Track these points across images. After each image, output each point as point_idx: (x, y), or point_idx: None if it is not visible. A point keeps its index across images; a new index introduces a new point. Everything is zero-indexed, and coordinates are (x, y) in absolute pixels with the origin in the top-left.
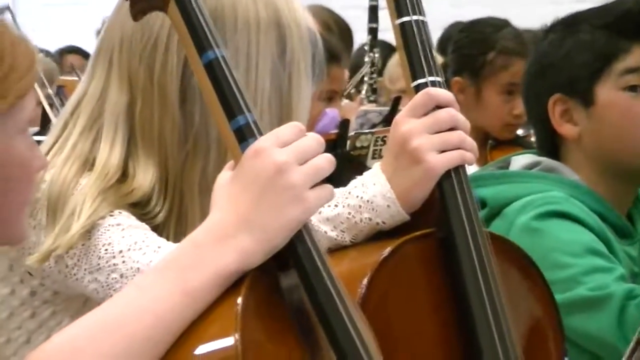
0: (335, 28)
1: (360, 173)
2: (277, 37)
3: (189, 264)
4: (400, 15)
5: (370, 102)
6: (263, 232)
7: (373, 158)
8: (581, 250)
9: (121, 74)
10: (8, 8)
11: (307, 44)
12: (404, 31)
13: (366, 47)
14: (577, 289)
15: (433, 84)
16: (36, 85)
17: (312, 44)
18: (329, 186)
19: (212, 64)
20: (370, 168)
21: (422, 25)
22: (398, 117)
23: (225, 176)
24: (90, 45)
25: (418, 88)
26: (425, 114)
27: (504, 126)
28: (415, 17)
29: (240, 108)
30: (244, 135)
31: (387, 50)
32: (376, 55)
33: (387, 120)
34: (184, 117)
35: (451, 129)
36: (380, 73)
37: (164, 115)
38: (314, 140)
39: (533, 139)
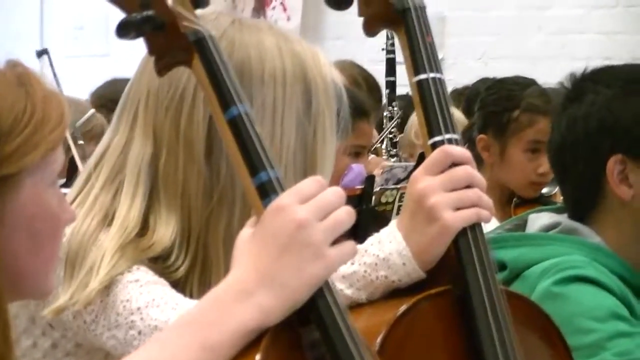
0: (363, 83)
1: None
2: (303, 91)
3: (209, 320)
4: (417, 73)
5: (391, 156)
6: (283, 289)
7: (398, 214)
8: (605, 315)
9: (146, 126)
10: (46, 51)
11: (332, 98)
12: (421, 89)
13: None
14: (601, 354)
15: (450, 141)
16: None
17: (337, 99)
18: (351, 243)
19: (235, 120)
20: None
21: (439, 83)
22: (415, 174)
23: (246, 233)
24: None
25: (435, 145)
26: (442, 172)
27: (529, 184)
28: (432, 75)
29: (262, 164)
30: (267, 192)
31: (410, 103)
32: (395, 108)
33: (412, 174)
34: (210, 171)
35: (468, 187)
36: (400, 127)
37: (189, 168)
38: (334, 194)
39: (560, 198)
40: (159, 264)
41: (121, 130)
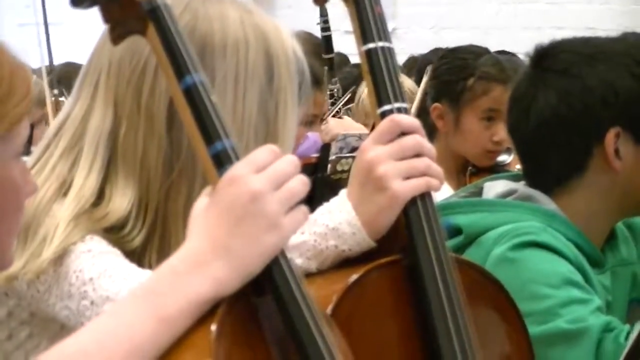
0: (314, 53)
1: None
2: (265, 65)
3: (164, 291)
4: (366, 42)
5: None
6: (238, 260)
7: None
8: (559, 282)
9: (107, 97)
10: None
11: (294, 72)
12: (369, 58)
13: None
14: (555, 321)
15: (399, 110)
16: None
17: (299, 73)
18: (303, 208)
19: (190, 89)
20: None
21: (388, 52)
22: (364, 144)
23: (202, 203)
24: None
25: (384, 115)
26: (391, 141)
27: (484, 153)
28: (381, 44)
29: (217, 133)
30: (222, 161)
31: (353, 75)
32: (337, 85)
33: None
34: (171, 144)
35: (417, 156)
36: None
37: (149, 141)
38: (289, 162)
39: (517, 167)
40: (114, 233)
41: (82, 99)
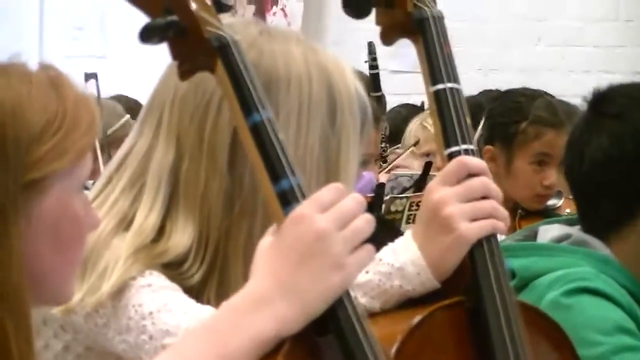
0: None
1: (395, 237)
2: (327, 102)
3: (226, 328)
4: (435, 83)
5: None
6: (302, 299)
7: (407, 222)
8: (611, 328)
9: (170, 132)
10: (95, 76)
11: (356, 110)
12: (438, 99)
13: None
14: None
15: (466, 152)
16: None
17: (361, 111)
18: (368, 247)
19: (257, 126)
20: (404, 232)
21: (457, 93)
22: (431, 185)
23: (266, 241)
24: None
25: (451, 156)
26: (458, 182)
27: (534, 196)
28: (450, 85)
29: (284, 171)
30: (288, 199)
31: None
32: (384, 124)
33: (418, 184)
34: (232, 180)
35: (483, 198)
36: (390, 141)
37: (211, 176)
38: (354, 201)
39: (567, 210)
40: (173, 269)
41: (145, 134)
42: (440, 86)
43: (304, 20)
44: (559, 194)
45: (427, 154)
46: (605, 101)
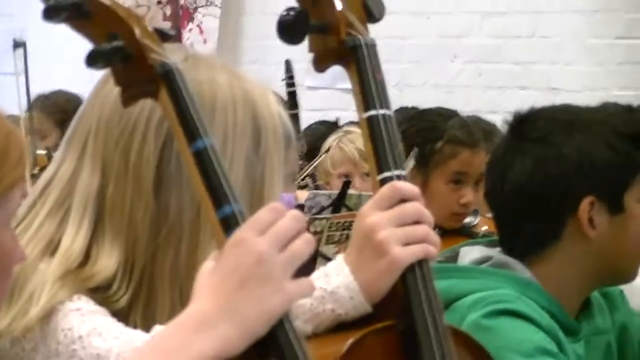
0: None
1: (314, 258)
2: (252, 129)
3: (169, 348)
4: (367, 109)
5: (300, 188)
6: (243, 321)
7: (327, 243)
8: (532, 350)
9: (95, 157)
10: (24, 44)
11: (281, 138)
12: (371, 125)
13: None
14: None
15: (398, 177)
16: None
17: (285, 138)
18: (308, 280)
19: (200, 153)
20: (323, 254)
21: (389, 119)
22: (364, 209)
23: (208, 265)
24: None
25: (384, 181)
26: (391, 207)
27: (451, 215)
28: (382, 112)
29: (227, 197)
30: (230, 225)
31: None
32: (301, 142)
33: (336, 203)
34: (158, 206)
35: (416, 223)
36: (307, 158)
37: (136, 202)
38: (293, 219)
39: (485, 227)
40: (99, 294)
41: (69, 158)
42: (372, 112)
43: (220, 38)
44: (475, 212)
45: (345, 175)
46: (527, 123)
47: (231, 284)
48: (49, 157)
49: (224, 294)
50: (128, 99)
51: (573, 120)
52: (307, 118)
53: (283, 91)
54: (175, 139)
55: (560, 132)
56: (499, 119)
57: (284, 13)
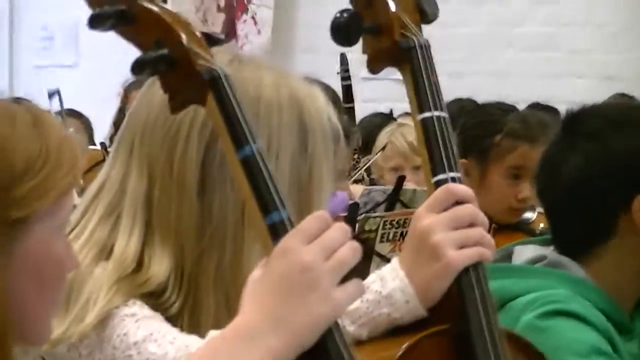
0: (339, 105)
1: (369, 256)
2: (299, 130)
3: None
4: (422, 111)
5: (355, 182)
6: (290, 332)
7: (381, 242)
8: (587, 350)
9: (141, 160)
10: (58, 92)
11: (329, 137)
12: (425, 127)
13: None
14: None
15: (453, 179)
16: None
17: (334, 140)
18: (357, 282)
19: (248, 159)
20: (378, 251)
21: (444, 122)
22: (418, 212)
23: (256, 274)
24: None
25: (438, 183)
26: (445, 210)
27: (508, 210)
28: (437, 113)
29: (275, 204)
30: (278, 232)
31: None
32: (357, 135)
33: (391, 199)
34: (202, 209)
35: (470, 225)
36: (363, 151)
37: (181, 205)
38: (339, 230)
39: (542, 225)
40: (153, 299)
41: (118, 163)
42: (427, 114)
43: (274, 29)
44: (532, 208)
45: (395, 169)
46: (579, 121)
47: (278, 293)
48: (105, 150)
49: (271, 304)
50: (176, 106)
51: (624, 117)
52: (361, 109)
53: (337, 83)
54: (220, 144)
55: (611, 128)
56: (555, 107)
57: (337, 15)
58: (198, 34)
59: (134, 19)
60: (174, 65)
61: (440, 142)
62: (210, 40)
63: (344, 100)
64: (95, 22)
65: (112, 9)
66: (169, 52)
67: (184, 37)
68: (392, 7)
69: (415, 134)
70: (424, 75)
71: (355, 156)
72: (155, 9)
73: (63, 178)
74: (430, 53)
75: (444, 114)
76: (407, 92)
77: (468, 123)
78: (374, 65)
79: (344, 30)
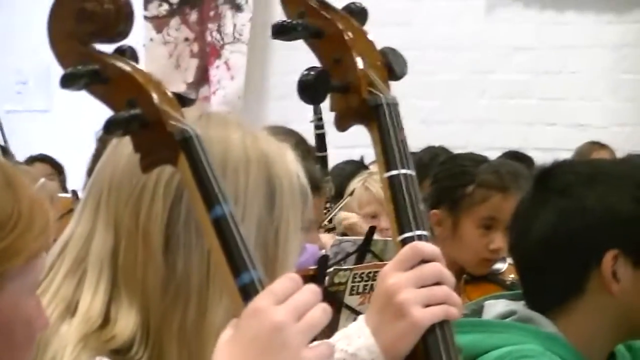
0: (312, 155)
1: (338, 309)
2: (266, 190)
3: None
4: (389, 169)
5: (326, 231)
6: None
7: (350, 294)
8: None
9: (108, 217)
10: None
11: (298, 198)
12: (392, 185)
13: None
14: None
15: (419, 237)
16: None
17: (302, 198)
18: (327, 343)
19: (219, 220)
20: (347, 304)
21: (411, 179)
22: (385, 270)
23: (227, 334)
24: (57, 152)
25: (405, 241)
26: (412, 268)
27: (480, 260)
28: (404, 171)
29: (245, 265)
30: (249, 293)
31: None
32: (329, 184)
33: (362, 249)
34: (167, 266)
35: (437, 284)
36: (335, 199)
37: (147, 262)
38: (310, 292)
39: (512, 276)
40: (120, 356)
41: (84, 219)
42: (394, 172)
43: (247, 75)
44: (503, 259)
45: (372, 215)
46: (551, 176)
47: (249, 355)
48: (77, 197)
49: None
50: (147, 165)
51: (596, 173)
52: (334, 155)
53: (309, 128)
54: (192, 204)
55: (583, 184)
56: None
57: (305, 73)
58: (169, 93)
59: (107, 79)
60: (146, 125)
61: (407, 199)
62: (182, 100)
63: (317, 149)
64: (67, 81)
65: (85, 68)
66: (141, 112)
67: (155, 97)
68: (360, 64)
69: (382, 191)
70: (391, 133)
71: (328, 205)
72: (128, 68)
73: (35, 240)
74: (398, 111)
75: (410, 172)
76: (375, 150)
77: (441, 173)
78: (342, 123)
79: (311, 88)
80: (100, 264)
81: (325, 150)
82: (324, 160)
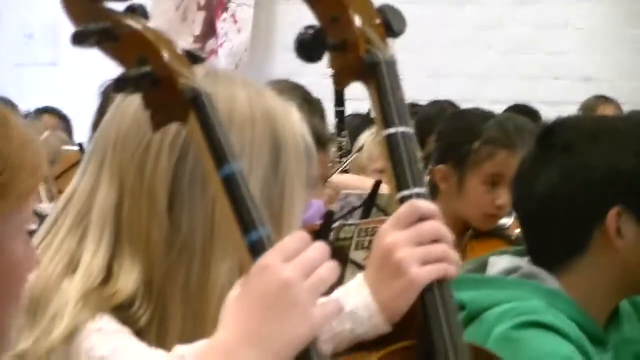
0: (318, 109)
1: (344, 264)
2: (271, 148)
3: None
4: (387, 127)
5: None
6: (269, 349)
7: (356, 249)
8: None
9: (112, 173)
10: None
11: (302, 157)
12: (390, 143)
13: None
14: None
15: (417, 195)
16: None
17: (307, 157)
18: (335, 302)
19: (229, 179)
20: (353, 259)
21: (409, 137)
22: (383, 229)
23: (235, 292)
24: (65, 105)
25: (403, 200)
26: (410, 226)
27: (485, 216)
28: (402, 129)
29: (254, 223)
30: (258, 251)
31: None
32: (345, 138)
33: (368, 204)
34: (171, 223)
35: (435, 242)
36: (349, 154)
37: (151, 219)
38: (319, 251)
39: (517, 231)
40: (122, 312)
41: (88, 174)
42: (392, 130)
43: (254, 27)
44: (509, 214)
45: (381, 171)
46: (554, 134)
47: (257, 311)
48: (83, 152)
49: (249, 323)
50: (158, 123)
51: (599, 130)
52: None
53: (317, 81)
54: (202, 162)
55: (586, 141)
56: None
57: (302, 32)
58: (180, 51)
59: (118, 37)
60: (156, 83)
61: (405, 158)
62: (192, 58)
63: (336, 104)
64: (79, 39)
65: (97, 26)
66: (152, 70)
67: (166, 55)
68: (358, 22)
69: (381, 149)
70: (390, 91)
71: (343, 159)
72: (139, 27)
73: (24, 182)
74: (396, 68)
75: (409, 130)
76: (373, 108)
77: (446, 129)
78: (340, 81)
79: (308, 47)
80: (103, 219)
81: (342, 105)
82: (341, 115)
